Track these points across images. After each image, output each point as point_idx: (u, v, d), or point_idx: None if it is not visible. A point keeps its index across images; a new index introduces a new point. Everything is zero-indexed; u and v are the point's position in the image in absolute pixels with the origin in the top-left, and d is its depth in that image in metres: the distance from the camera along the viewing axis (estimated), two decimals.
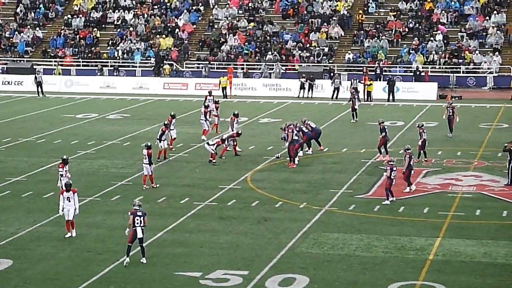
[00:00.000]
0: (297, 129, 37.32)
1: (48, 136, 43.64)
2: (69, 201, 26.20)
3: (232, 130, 39.27)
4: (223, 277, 22.74)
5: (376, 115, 45.31)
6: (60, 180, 29.81)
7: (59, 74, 64.73)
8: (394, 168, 30.16)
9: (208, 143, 37.11)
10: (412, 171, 31.90)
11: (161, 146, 36.81)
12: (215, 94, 55.34)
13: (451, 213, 28.96)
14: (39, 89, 59.97)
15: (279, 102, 56.05)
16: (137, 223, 23.84)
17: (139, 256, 23.95)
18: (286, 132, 36.45)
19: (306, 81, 58.56)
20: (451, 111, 42.56)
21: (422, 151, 36.58)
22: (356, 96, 48.72)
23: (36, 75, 61.22)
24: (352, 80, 56.56)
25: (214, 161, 36.57)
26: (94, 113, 51.43)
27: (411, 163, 31.63)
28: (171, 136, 39.26)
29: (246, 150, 39.06)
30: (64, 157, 30.67)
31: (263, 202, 30.51)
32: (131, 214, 23.97)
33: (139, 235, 23.82)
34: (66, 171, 30.00)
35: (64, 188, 26.66)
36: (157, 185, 32.60)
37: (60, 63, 68.36)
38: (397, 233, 26.61)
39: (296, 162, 36.14)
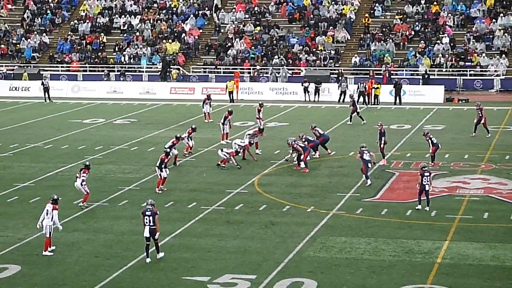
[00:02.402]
0: (303, 139, 37.38)
1: (55, 142, 43.68)
2: (53, 217, 25.14)
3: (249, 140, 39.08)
4: (231, 281, 22.73)
5: (383, 119, 45.20)
6: (82, 185, 30.10)
7: (25, 79, 64.66)
8: (426, 174, 29.39)
9: (222, 150, 37.08)
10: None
11: (172, 154, 36.69)
12: (220, 99, 55.66)
13: (458, 216, 28.90)
14: (46, 95, 60.09)
15: (286, 106, 56.02)
16: (146, 222, 24.12)
17: (143, 261, 24.19)
18: (294, 148, 36.39)
19: (309, 84, 58.44)
20: (480, 112, 43.15)
21: (432, 155, 36.45)
22: (355, 100, 49.37)
23: (43, 80, 61.36)
24: (359, 83, 56.63)
25: (223, 165, 36.56)
26: (101, 118, 51.48)
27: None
28: (189, 144, 39.16)
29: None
30: (87, 163, 31.33)
31: (270, 206, 30.49)
32: (141, 213, 24.44)
33: (146, 234, 24.09)
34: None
35: (52, 202, 25.35)
36: (162, 190, 32.57)
37: (61, 68, 68.61)
38: (405, 236, 26.57)
39: (302, 166, 36.08)
